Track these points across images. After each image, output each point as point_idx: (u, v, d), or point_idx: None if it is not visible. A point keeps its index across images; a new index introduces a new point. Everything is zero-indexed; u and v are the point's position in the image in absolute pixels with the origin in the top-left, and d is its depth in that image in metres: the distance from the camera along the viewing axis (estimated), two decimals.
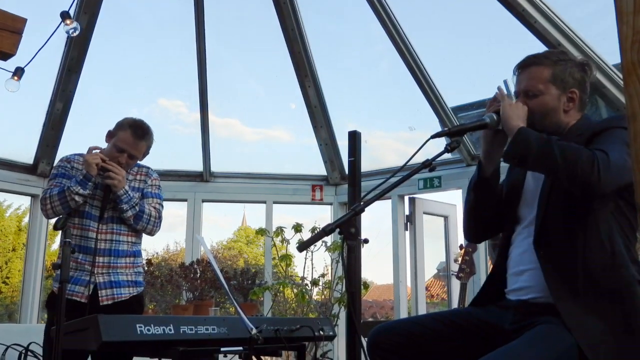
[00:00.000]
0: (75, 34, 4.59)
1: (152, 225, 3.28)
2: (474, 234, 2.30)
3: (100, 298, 3.11)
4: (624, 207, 1.88)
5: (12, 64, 4.39)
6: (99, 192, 3.20)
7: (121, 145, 3.20)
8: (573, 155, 1.76)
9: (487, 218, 2.18)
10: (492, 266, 2.19)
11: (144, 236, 3.41)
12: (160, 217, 3.33)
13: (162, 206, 3.40)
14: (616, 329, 1.73)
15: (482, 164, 2.12)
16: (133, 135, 3.20)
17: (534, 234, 1.93)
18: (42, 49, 4.51)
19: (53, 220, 3.23)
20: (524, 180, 2.11)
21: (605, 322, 1.74)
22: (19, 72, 4.54)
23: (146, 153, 3.33)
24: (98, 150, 3.24)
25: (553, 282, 1.83)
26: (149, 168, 3.45)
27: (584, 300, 1.78)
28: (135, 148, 3.22)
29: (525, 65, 2.08)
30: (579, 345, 1.70)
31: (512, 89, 2.20)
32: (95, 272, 3.14)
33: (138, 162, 3.36)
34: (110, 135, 3.28)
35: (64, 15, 4.45)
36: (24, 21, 2.74)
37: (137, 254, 3.34)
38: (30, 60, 4.53)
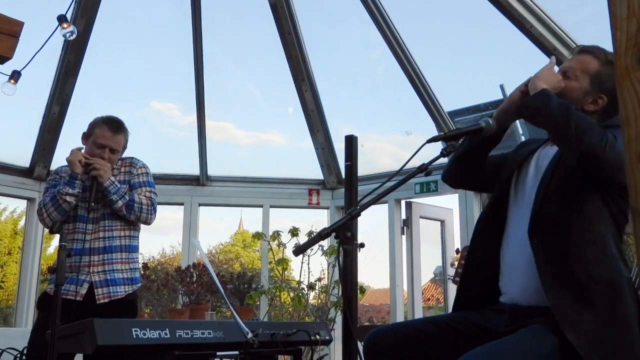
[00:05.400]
0: (72, 38, 4.60)
1: (147, 214, 3.27)
2: (453, 177, 2.28)
3: (96, 297, 3.12)
4: (617, 213, 1.89)
5: (8, 67, 4.40)
6: (89, 194, 3.21)
7: (100, 142, 3.24)
8: (586, 124, 1.78)
9: (472, 169, 2.19)
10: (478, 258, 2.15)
11: (140, 238, 3.42)
12: (153, 205, 3.31)
13: (155, 193, 3.37)
14: (603, 319, 1.75)
15: (492, 116, 2.09)
16: (110, 130, 3.26)
17: (529, 223, 1.93)
18: (39, 52, 4.52)
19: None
20: (527, 164, 2.11)
21: (593, 312, 1.76)
22: (15, 76, 4.55)
23: (125, 147, 3.37)
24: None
25: (545, 271, 1.85)
26: (132, 158, 3.44)
27: (574, 289, 1.80)
28: (114, 141, 3.26)
29: (583, 51, 2.08)
30: (561, 346, 1.72)
31: (508, 93, 2.20)
32: (91, 270, 3.14)
33: (121, 156, 3.39)
34: (86, 137, 3.33)
35: (61, 19, 4.46)
36: (20, 24, 2.74)
37: (132, 249, 3.32)
38: (27, 64, 4.54)
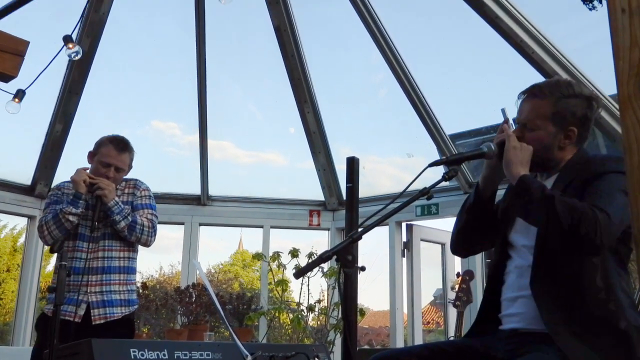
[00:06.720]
0: (77, 58, 4.63)
1: (147, 236, 3.27)
2: (460, 250, 2.33)
3: (92, 317, 3.10)
4: (618, 246, 1.88)
5: (13, 85, 4.42)
6: (90, 214, 3.21)
7: (106, 160, 3.26)
8: (576, 216, 1.74)
9: (476, 238, 2.21)
10: (485, 291, 2.18)
11: (139, 258, 3.41)
12: (154, 227, 3.32)
13: (156, 216, 3.38)
14: None
15: (479, 188, 2.13)
16: (115, 149, 3.28)
17: (530, 275, 1.92)
18: (43, 72, 4.54)
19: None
20: None
21: None
22: (19, 94, 4.56)
23: (130, 166, 3.39)
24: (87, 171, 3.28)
25: (551, 322, 1.83)
26: (137, 180, 3.46)
27: (583, 341, 1.77)
28: (119, 160, 3.28)
29: (529, 95, 2.07)
30: None
31: (510, 116, 2.21)
32: (88, 290, 3.13)
33: (125, 177, 3.40)
34: (91, 156, 3.35)
35: (67, 39, 4.49)
36: (26, 44, 2.77)
37: (130, 270, 3.32)
38: (32, 83, 4.56)
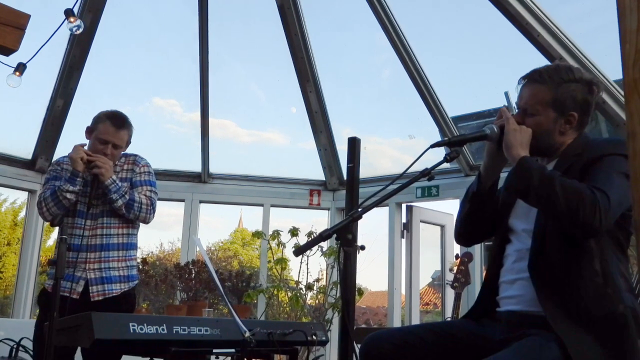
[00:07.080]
0: (78, 32, 4.59)
1: (145, 213, 3.24)
2: (464, 239, 2.34)
3: (91, 294, 3.10)
4: (617, 231, 1.89)
5: (14, 59, 4.40)
6: (89, 190, 3.20)
7: (103, 137, 3.21)
8: (575, 197, 1.75)
9: (479, 226, 2.21)
10: (485, 274, 2.19)
11: (139, 234, 3.41)
12: (152, 204, 3.28)
13: (155, 193, 3.34)
14: (611, 357, 1.73)
15: (481, 176, 2.13)
16: (113, 125, 3.22)
17: (529, 259, 1.93)
18: (44, 45, 4.51)
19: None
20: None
21: (601, 347, 1.74)
22: (20, 68, 4.54)
23: (128, 142, 3.34)
24: (85, 147, 3.25)
25: (549, 304, 1.84)
26: (136, 156, 3.41)
27: (579, 324, 1.78)
28: (117, 137, 3.23)
29: (529, 81, 2.06)
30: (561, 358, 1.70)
31: (513, 100, 2.21)
32: (87, 267, 3.13)
33: (124, 152, 3.36)
34: (89, 132, 3.29)
35: (68, 13, 4.45)
36: (27, 17, 2.74)
37: (130, 246, 3.30)
38: (33, 57, 4.53)
